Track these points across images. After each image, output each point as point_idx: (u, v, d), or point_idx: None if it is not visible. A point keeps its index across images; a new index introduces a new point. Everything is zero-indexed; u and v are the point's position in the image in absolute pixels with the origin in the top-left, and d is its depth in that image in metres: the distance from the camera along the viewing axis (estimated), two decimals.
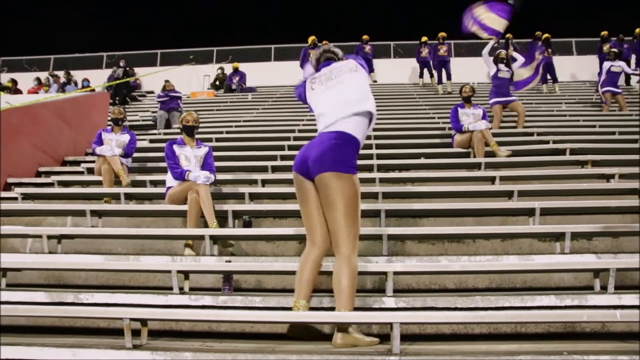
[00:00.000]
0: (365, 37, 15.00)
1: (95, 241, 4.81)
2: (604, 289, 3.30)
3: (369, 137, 7.61)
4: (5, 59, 18.36)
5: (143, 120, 11.02)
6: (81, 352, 2.51)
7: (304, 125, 9.05)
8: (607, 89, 9.73)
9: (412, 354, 2.48)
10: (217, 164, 5.38)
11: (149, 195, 5.86)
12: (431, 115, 9.97)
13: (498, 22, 7.29)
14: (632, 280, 3.62)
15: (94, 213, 5.13)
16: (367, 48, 15.07)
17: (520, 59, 8.71)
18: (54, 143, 7.59)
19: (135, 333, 2.69)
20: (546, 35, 13.04)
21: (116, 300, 3.36)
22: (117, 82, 13.15)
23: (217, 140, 8.30)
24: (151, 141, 8.51)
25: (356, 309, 2.87)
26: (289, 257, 4.18)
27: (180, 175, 4.87)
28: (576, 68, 15.25)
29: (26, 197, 5.96)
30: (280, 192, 5.55)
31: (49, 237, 4.49)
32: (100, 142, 6.36)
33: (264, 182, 6.01)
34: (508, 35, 13.39)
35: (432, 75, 14.15)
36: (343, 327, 2.76)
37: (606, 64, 9.96)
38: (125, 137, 6.50)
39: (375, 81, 15.59)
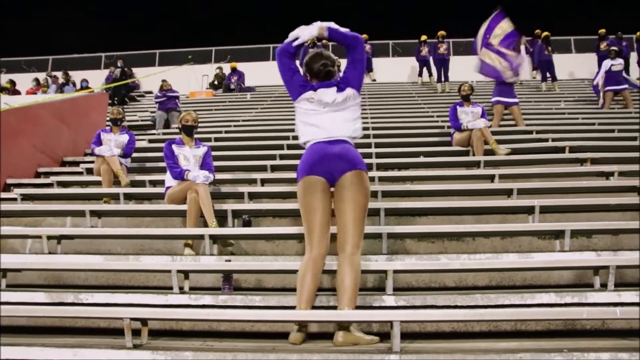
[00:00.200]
0: (364, 36, 14.99)
1: (94, 241, 4.81)
2: (603, 286, 3.30)
3: (367, 136, 7.71)
4: (4, 59, 18.35)
5: (142, 121, 11.02)
6: (82, 352, 2.51)
7: None
8: (609, 88, 9.70)
9: (413, 352, 2.48)
10: (216, 163, 5.37)
11: (148, 195, 5.86)
12: (430, 113, 9.97)
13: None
14: (632, 278, 3.62)
15: (94, 213, 5.13)
16: (366, 47, 15.07)
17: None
18: (53, 144, 7.59)
19: (136, 333, 2.69)
20: (546, 33, 13.04)
21: (116, 300, 3.36)
22: (117, 84, 13.14)
23: (216, 139, 8.30)
24: (150, 141, 8.51)
25: (356, 307, 2.87)
26: (288, 256, 4.18)
27: (180, 175, 4.87)
28: (575, 66, 15.26)
29: (25, 197, 5.95)
30: (280, 192, 5.55)
31: (49, 237, 4.49)
32: (99, 142, 6.36)
33: (263, 182, 6.01)
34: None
35: (431, 74, 14.16)
36: (344, 326, 2.77)
37: (606, 63, 9.90)
38: (124, 138, 6.50)
39: (374, 80, 15.61)
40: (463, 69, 14.22)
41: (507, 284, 3.86)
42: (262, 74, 15.39)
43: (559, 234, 4.16)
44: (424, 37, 14.11)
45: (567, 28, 16.22)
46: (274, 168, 6.58)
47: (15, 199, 5.88)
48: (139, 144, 7.50)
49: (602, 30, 13.02)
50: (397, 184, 5.87)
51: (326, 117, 3.02)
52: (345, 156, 2.96)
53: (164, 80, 10.78)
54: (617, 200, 4.76)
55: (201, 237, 4.42)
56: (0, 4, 22.87)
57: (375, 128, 8.41)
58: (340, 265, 2.89)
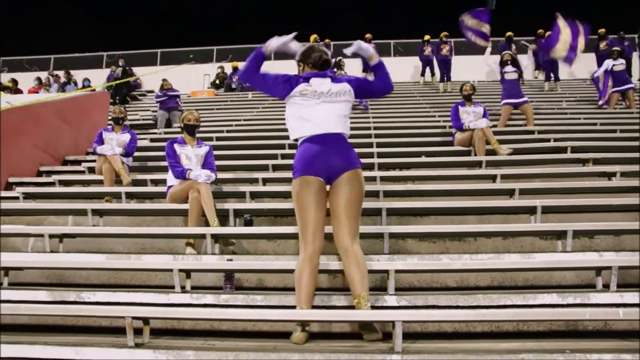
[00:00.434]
0: (367, 35, 14.99)
1: (96, 240, 4.81)
2: (606, 287, 3.29)
3: (369, 136, 7.71)
4: (6, 58, 18.40)
5: (143, 120, 11.03)
6: (83, 350, 2.51)
7: None
8: (615, 89, 9.66)
9: (414, 352, 2.48)
10: (217, 162, 5.38)
11: (150, 194, 5.86)
12: (432, 113, 9.96)
13: (483, 27, 7.71)
14: (634, 278, 3.61)
15: (95, 212, 5.14)
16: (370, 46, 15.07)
17: (525, 61, 8.70)
18: (55, 143, 7.60)
19: (138, 332, 2.70)
20: (549, 32, 12.97)
21: (118, 299, 3.36)
22: (118, 82, 13.15)
23: (218, 139, 8.30)
24: (152, 140, 8.52)
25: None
26: (290, 255, 4.18)
27: (181, 174, 4.87)
28: (577, 66, 15.19)
29: (27, 196, 5.96)
30: (282, 191, 5.55)
31: (51, 236, 4.50)
32: (101, 141, 6.37)
33: (265, 181, 6.01)
34: (509, 33, 13.37)
35: (433, 74, 14.15)
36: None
37: (608, 63, 9.88)
38: (126, 137, 6.50)
39: None
40: (465, 68, 14.24)
41: (509, 285, 3.85)
42: None
43: (561, 235, 4.15)
44: (427, 37, 14.10)
45: None
46: (276, 167, 6.58)
47: (17, 198, 5.89)
48: (140, 143, 7.51)
49: (602, 30, 12.99)
50: (398, 183, 5.86)
51: (320, 108, 3.01)
52: (343, 155, 2.98)
53: (164, 80, 10.78)
54: (619, 201, 4.75)
55: (203, 236, 4.42)
56: (3, 3, 22.90)
57: (377, 128, 8.40)
58: (343, 259, 2.94)
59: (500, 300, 3.10)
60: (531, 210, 4.69)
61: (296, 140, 3.09)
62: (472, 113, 6.92)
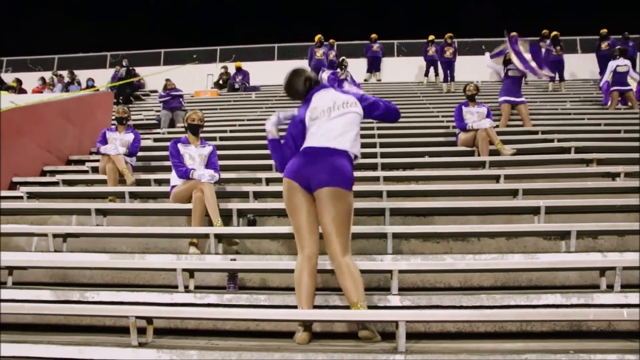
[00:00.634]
0: (373, 35, 14.99)
1: (100, 240, 4.82)
2: (610, 287, 3.28)
3: (372, 136, 7.70)
4: (10, 58, 18.45)
5: (147, 119, 11.05)
6: (87, 350, 2.52)
7: None
8: (615, 88, 9.67)
9: (418, 352, 2.48)
10: (221, 162, 5.38)
11: (154, 194, 5.87)
12: (435, 113, 9.95)
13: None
14: (638, 279, 3.60)
15: (99, 212, 5.15)
16: (376, 46, 15.08)
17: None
18: (59, 142, 7.62)
19: (141, 331, 2.70)
20: (554, 33, 12.94)
21: (121, 298, 3.37)
22: (122, 82, 13.18)
23: (221, 139, 8.30)
24: (155, 140, 8.53)
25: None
26: (293, 255, 4.16)
27: (185, 174, 4.88)
28: (581, 66, 15.17)
29: (31, 196, 5.98)
30: None
31: (55, 235, 4.51)
32: (104, 141, 6.38)
33: (268, 181, 6.01)
34: (513, 33, 13.32)
35: (437, 74, 14.13)
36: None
37: (612, 64, 9.86)
38: (130, 136, 6.52)
39: (379, 80, 15.58)
40: (468, 69, 14.20)
41: (513, 285, 3.84)
42: (267, 73, 15.39)
43: (564, 235, 4.14)
44: (431, 37, 14.07)
45: (573, 28, 16.14)
46: None
47: (21, 197, 5.91)
48: (144, 143, 7.51)
49: (604, 30, 12.94)
50: (402, 183, 5.86)
51: (332, 123, 3.02)
52: (332, 170, 2.92)
53: (167, 80, 10.79)
54: (623, 201, 4.74)
55: (206, 236, 4.43)
56: (5, 3, 22.99)
57: (380, 128, 8.39)
58: (337, 272, 2.93)
59: (504, 301, 3.10)
60: (535, 211, 4.68)
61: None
62: (475, 113, 6.91)
